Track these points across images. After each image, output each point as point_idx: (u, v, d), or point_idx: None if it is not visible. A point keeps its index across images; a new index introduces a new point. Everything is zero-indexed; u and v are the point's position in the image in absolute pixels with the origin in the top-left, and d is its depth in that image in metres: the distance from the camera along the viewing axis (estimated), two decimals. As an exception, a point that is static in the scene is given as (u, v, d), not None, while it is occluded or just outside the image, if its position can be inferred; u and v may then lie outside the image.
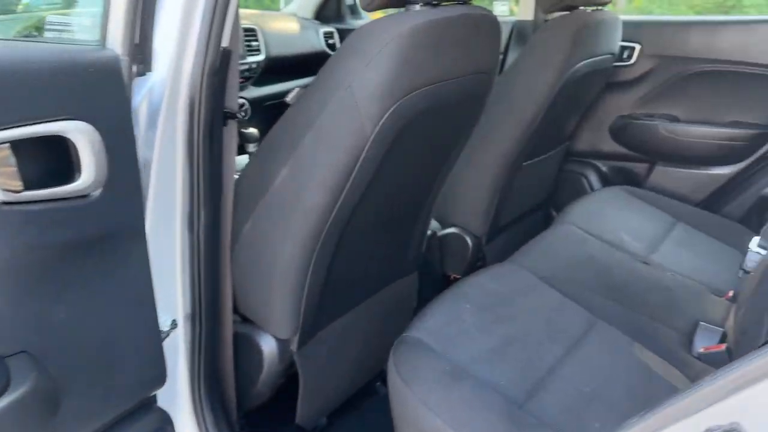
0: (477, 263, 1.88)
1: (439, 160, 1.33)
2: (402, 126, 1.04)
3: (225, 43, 0.98)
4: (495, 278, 1.35)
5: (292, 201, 1.06)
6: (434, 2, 1.04)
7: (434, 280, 1.88)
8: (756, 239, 1.49)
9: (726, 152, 2.01)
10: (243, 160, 1.99)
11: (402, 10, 1.07)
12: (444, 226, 1.87)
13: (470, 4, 1.14)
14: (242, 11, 2.40)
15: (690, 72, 2.03)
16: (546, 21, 2.21)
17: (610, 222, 1.76)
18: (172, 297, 1.07)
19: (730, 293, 1.46)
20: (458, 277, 1.88)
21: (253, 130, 1.96)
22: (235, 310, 1.21)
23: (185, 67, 0.94)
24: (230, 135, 1.08)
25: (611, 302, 1.37)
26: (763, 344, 0.57)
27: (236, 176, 1.15)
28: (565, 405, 1.04)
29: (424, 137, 1.17)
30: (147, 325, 0.98)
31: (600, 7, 1.80)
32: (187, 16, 0.92)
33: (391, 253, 1.43)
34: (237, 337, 1.21)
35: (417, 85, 1.01)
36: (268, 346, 1.20)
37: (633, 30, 2.03)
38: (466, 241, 1.82)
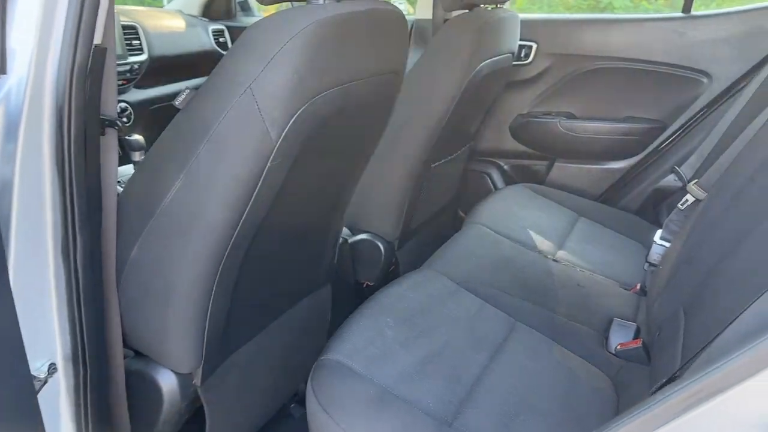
0: (390, 269, 1.82)
1: (350, 166, 1.25)
2: (310, 131, 0.94)
3: (98, 39, 0.83)
4: (413, 287, 1.29)
5: (187, 219, 0.93)
6: (339, -5, 0.96)
7: (347, 288, 1.80)
8: (659, 232, 1.53)
9: (621, 147, 2.08)
10: (127, 170, 1.81)
11: (303, 4, 0.97)
12: (355, 232, 1.79)
13: (376, -2, 1.07)
14: (121, 7, 2.20)
15: (585, 69, 2.08)
16: (446, 20, 2.20)
17: (518, 220, 1.77)
18: (48, 337, 0.91)
19: (638, 286, 1.50)
20: (371, 284, 1.81)
21: (137, 137, 1.77)
22: (127, 344, 1.06)
23: (49, 69, 0.79)
24: (109, 145, 0.93)
25: (529, 303, 1.35)
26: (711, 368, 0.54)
27: (120, 190, 1.00)
28: (493, 418, 1.00)
29: (333, 142, 1.08)
30: (15, 376, 0.82)
31: (500, 5, 1.79)
32: (50, 7, 0.78)
33: (303, 267, 1.33)
34: (131, 375, 1.07)
35: (325, 86, 0.92)
36: (167, 382, 1.06)
37: (529, 29, 2.06)
38: (378, 247, 1.75)
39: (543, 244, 1.65)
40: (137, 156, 1.79)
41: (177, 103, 0.93)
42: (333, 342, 1.09)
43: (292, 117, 0.88)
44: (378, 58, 1.05)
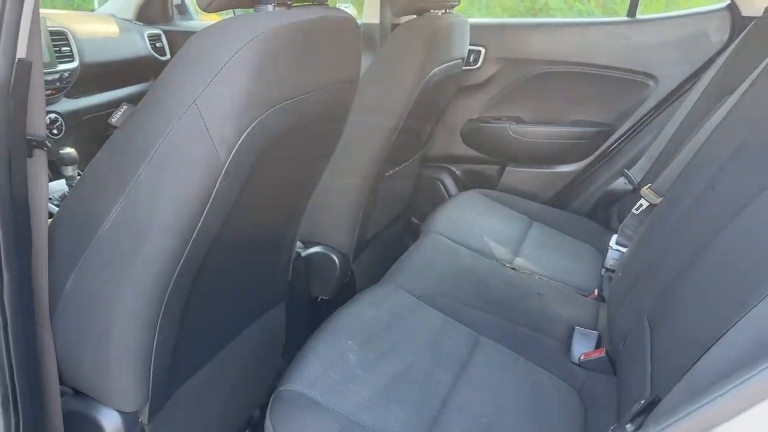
0: (345, 281, 1.76)
1: (304, 179, 1.19)
2: (262, 146, 0.88)
3: (21, 53, 0.75)
4: (373, 304, 1.24)
5: (128, 247, 0.85)
6: (289, 2, 0.89)
7: (300, 304, 1.73)
8: (615, 237, 1.54)
9: (570, 151, 2.10)
10: (59, 186, 1.69)
11: (249, 11, 0.91)
12: (308, 245, 1.72)
13: (326, 5, 1.01)
14: (48, 11, 2.06)
15: (533, 74, 2.08)
16: (395, 25, 2.16)
17: (473, 228, 1.74)
18: (-28, 384, 0.81)
19: (595, 292, 1.50)
20: (326, 298, 1.75)
21: (69, 150, 1.66)
22: (64, 382, 0.97)
23: (-37, 86, 0.70)
24: (38, 168, 0.84)
25: (490, 315, 1.32)
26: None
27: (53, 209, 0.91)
28: (464, 442, 0.96)
29: (287, 157, 1.02)
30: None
31: (449, 10, 1.76)
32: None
33: (256, 286, 1.26)
34: (70, 417, 0.97)
35: (277, 99, 0.86)
36: (110, 423, 0.97)
37: (478, 33, 2.04)
38: (332, 260, 1.69)
39: (500, 251, 1.63)
40: (69, 170, 1.67)
41: (114, 120, 0.85)
42: (291, 370, 1.03)
43: (243, 133, 0.82)
44: (332, 67, 1.00)
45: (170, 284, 0.89)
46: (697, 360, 0.67)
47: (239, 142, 0.82)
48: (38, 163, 0.84)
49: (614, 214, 1.92)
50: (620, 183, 1.85)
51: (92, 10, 2.37)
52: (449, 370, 1.10)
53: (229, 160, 0.82)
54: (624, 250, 1.49)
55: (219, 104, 0.79)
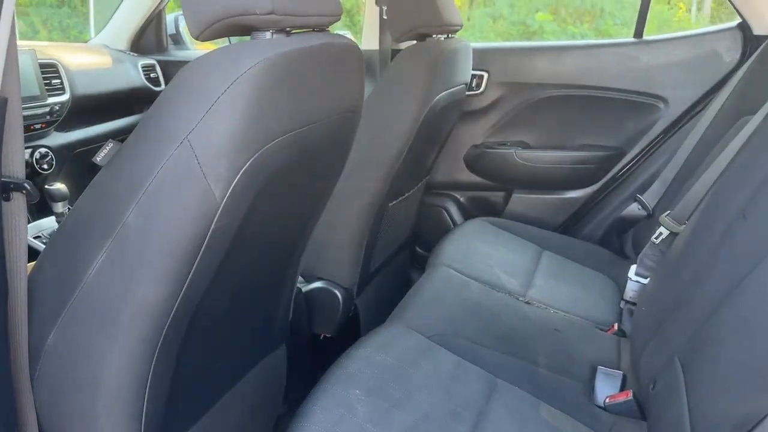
0: (348, 317, 1.68)
1: (306, 214, 1.12)
2: (260, 184, 0.81)
3: (-6, 87, 0.68)
4: (381, 347, 1.15)
5: (115, 297, 0.77)
6: (288, 29, 0.83)
7: (302, 343, 1.65)
8: (633, 267, 1.46)
9: (579, 176, 2.03)
10: (49, 223, 1.61)
11: (245, 39, 0.84)
12: (309, 280, 1.64)
13: (329, 31, 0.95)
14: (40, 44, 2.01)
15: (538, 98, 2.03)
16: (395, 50, 2.11)
17: (482, 258, 1.67)
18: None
19: (615, 326, 1.41)
20: (329, 335, 1.66)
21: (59, 186, 1.58)
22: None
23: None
24: (15, 211, 0.77)
25: (508, 356, 1.24)
26: None
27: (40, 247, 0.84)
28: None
29: (287, 192, 0.95)
30: None
31: (451, 35, 1.71)
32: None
33: (256, 329, 1.18)
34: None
35: (277, 133, 0.79)
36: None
37: (480, 58, 1.99)
38: (335, 295, 1.61)
39: (511, 283, 1.55)
40: (59, 207, 1.60)
41: (99, 159, 0.77)
42: (296, 424, 0.94)
43: (240, 171, 0.75)
44: (335, 97, 0.93)
45: (161, 337, 0.81)
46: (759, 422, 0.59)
47: (236, 181, 0.75)
48: (15, 207, 0.77)
49: (628, 241, 1.84)
50: (633, 209, 1.78)
51: (86, 41, 2.31)
52: (466, 421, 1.01)
53: (225, 200, 0.75)
54: (644, 281, 1.41)
55: (213, 141, 0.72)
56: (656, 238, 1.40)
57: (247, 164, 0.75)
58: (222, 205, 0.75)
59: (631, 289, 1.46)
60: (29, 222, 1.63)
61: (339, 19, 0.95)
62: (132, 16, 2.27)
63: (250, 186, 0.78)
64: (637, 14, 1.97)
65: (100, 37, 2.27)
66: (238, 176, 0.75)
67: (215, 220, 0.76)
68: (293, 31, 0.87)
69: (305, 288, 1.62)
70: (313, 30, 0.92)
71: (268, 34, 0.81)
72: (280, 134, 0.80)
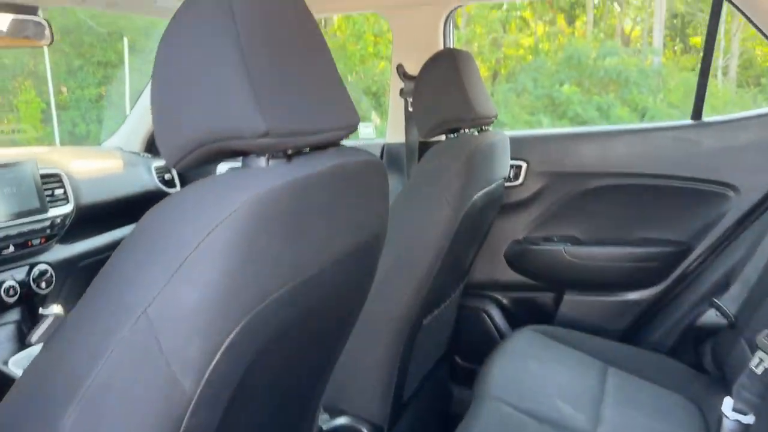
0: (378, 458, 1.42)
1: (324, 358, 0.90)
2: (250, 357, 0.60)
3: None
4: None
5: None
6: (289, 153, 0.64)
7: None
8: (728, 401, 1.19)
9: (639, 275, 1.78)
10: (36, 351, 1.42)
11: (236, 165, 0.66)
12: (332, 415, 1.40)
13: (340, 146, 0.76)
14: (43, 150, 1.90)
15: (585, 188, 1.82)
16: (423, 143, 1.94)
17: (539, 385, 1.41)
18: None
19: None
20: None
21: (56, 311, 1.40)
22: None
23: None
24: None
25: None
26: None
27: None
28: None
29: (292, 352, 0.74)
30: None
31: (485, 128, 1.54)
32: None
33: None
34: None
35: (269, 289, 0.59)
36: None
37: (517, 146, 1.80)
38: (362, 434, 1.36)
39: (577, 420, 1.29)
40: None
41: (33, 339, 0.58)
42: None
43: (218, 351, 0.54)
44: (351, 229, 0.73)
45: None
46: None
47: (212, 365, 0.54)
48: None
49: (707, 353, 1.56)
50: (711, 315, 1.51)
51: (99, 145, 2.22)
52: None
53: (199, 391, 0.54)
54: (746, 420, 1.14)
55: (179, 313, 0.52)
56: (756, 367, 1.13)
57: (228, 340, 0.55)
58: (195, 398, 0.54)
59: (728, 428, 1.17)
60: (20, 350, 1.45)
61: (356, 130, 0.77)
62: (147, 116, 2.18)
63: (235, 366, 0.58)
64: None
65: (113, 139, 2.17)
66: (216, 358, 0.54)
67: (187, 417, 0.55)
68: (295, 153, 0.68)
69: (327, 425, 1.37)
70: (318, 148, 0.73)
71: (262, 161, 0.62)
72: (276, 290, 0.60)
